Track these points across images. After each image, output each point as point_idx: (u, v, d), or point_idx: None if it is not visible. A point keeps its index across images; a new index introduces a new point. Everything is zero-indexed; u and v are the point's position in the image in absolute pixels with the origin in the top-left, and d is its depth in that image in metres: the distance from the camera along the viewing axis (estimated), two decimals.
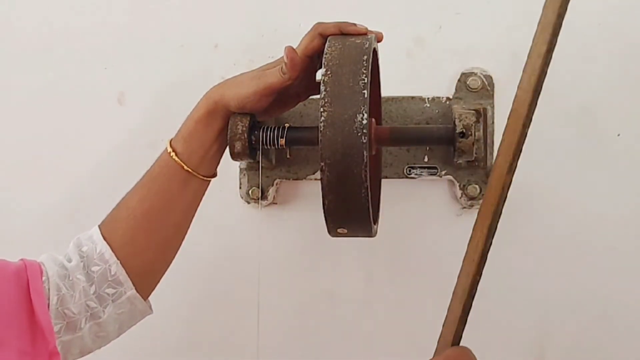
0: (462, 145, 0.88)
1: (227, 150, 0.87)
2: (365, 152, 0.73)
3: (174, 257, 0.90)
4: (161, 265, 0.89)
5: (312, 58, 0.84)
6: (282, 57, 0.83)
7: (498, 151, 0.73)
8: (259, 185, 1.03)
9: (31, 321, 0.78)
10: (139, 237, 0.85)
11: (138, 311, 0.87)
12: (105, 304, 0.84)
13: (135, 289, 0.86)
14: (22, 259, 0.83)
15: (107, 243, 0.85)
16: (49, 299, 0.81)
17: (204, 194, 0.89)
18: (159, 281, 0.90)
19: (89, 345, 0.85)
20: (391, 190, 1.00)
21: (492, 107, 1.00)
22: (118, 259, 0.84)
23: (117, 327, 0.87)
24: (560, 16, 0.63)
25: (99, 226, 0.87)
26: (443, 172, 1.02)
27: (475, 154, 0.91)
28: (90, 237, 0.86)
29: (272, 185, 1.04)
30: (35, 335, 0.77)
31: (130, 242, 0.85)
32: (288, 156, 0.99)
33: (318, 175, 1.02)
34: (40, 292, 0.80)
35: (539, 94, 0.66)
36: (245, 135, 0.85)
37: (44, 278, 0.81)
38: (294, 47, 0.83)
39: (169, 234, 0.88)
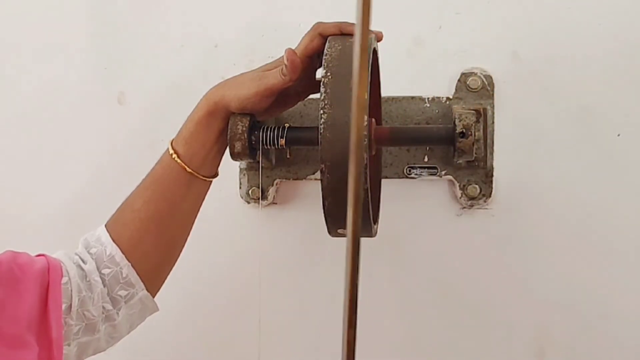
0: (462, 145, 0.88)
1: (227, 150, 0.87)
2: (365, 155, 0.73)
3: (179, 255, 0.91)
4: (168, 264, 0.90)
5: (312, 58, 0.84)
6: (282, 57, 0.83)
7: None
8: (259, 185, 1.03)
9: (41, 330, 0.78)
10: (147, 239, 0.86)
11: (148, 310, 0.89)
12: (118, 306, 0.85)
13: (146, 288, 0.86)
14: (43, 255, 0.83)
15: (117, 245, 0.85)
16: (71, 300, 0.81)
17: (206, 193, 0.90)
18: (165, 279, 0.91)
19: (102, 345, 0.86)
20: (391, 190, 1.00)
21: (492, 107, 1.00)
22: (129, 261, 0.85)
23: (129, 327, 0.88)
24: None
25: (106, 227, 0.87)
26: (443, 172, 1.02)
27: (475, 154, 0.91)
28: (99, 239, 0.86)
29: (272, 185, 1.04)
30: (42, 346, 0.77)
31: (139, 245, 0.86)
32: (288, 156, 0.99)
33: (318, 175, 1.02)
34: (58, 301, 0.80)
35: None
36: (245, 135, 0.85)
37: (65, 279, 0.81)
38: (294, 47, 0.83)
39: (175, 234, 0.89)
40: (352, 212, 0.43)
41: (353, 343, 0.49)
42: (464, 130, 0.88)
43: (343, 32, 0.82)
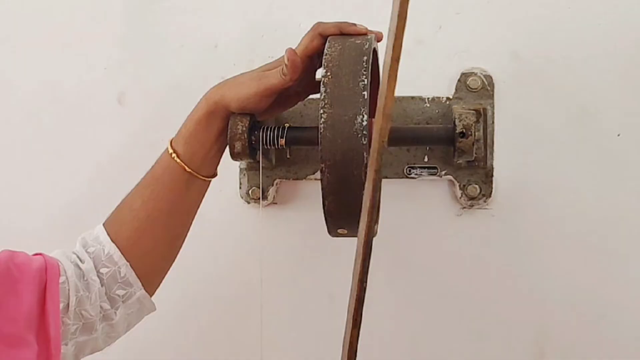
0: (462, 145, 0.88)
1: (227, 150, 0.87)
2: (365, 154, 0.73)
3: (177, 254, 0.91)
4: (166, 263, 0.90)
5: (312, 58, 0.84)
6: (282, 57, 0.83)
7: None
8: (259, 185, 1.02)
9: (40, 329, 0.78)
10: (145, 238, 0.86)
11: (146, 309, 0.88)
12: (116, 305, 0.85)
13: (144, 288, 0.86)
14: (41, 254, 0.83)
15: (115, 244, 0.85)
16: (68, 300, 0.81)
17: (205, 193, 0.89)
18: (163, 279, 0.91)
19: (100, 345, 0.86)
20: (391, 190, 1.00)
21: (492, 107, 1.00)
22: (127, 260, 0.85)
23: (126, 326, 0.88)
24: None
25: (104, 226, 0.87)
26: (443, 172, 1.02)
27: (475, 154, 0.91)
28: (97, 238, 0.86)
29: (272, 185, 1.04)
30: (40, 345, 0.77)
31: (137, 244, 0.85)
32: (288, 156, 1.00)
33: (318, 175, 1.02)
34: (56, 301, 0.80)
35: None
36: (245, 135, 0.85)
37: (62, 279, 0.81)
38: (294, 47, 0.83)
39: (173, 233, 0.89)
40: (366, 217, 0.43)
41: (355, 343, 0.48)
42: (464, 130, 0.88)
43: (343, 32, 0.82)
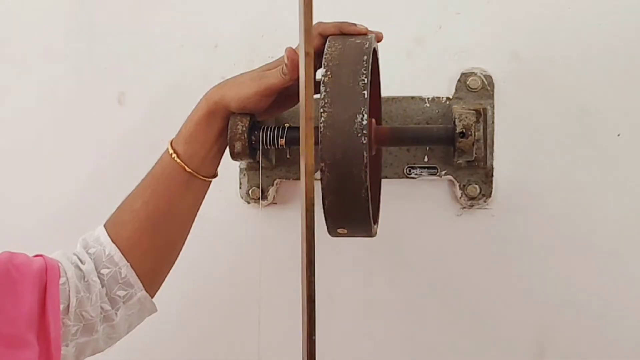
0: (462, 145, 0.88)
1: (227, 150, 0.87)
2: (365, 153, 0.73)
3: (178, 255, 0.91)
4: (167, 264, 0.90)
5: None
6: (282, 57, 0.83)
7: None
8: (259, 185, 1.03)
9: (40, 330, 0.78)
10: (145, 239, 0.86)
11: (146, 310, 0.88)
12: (117, 306, 0.85)
13: (144, 289, 0.86)
14: (41, 255, 0.83)
15: (116, 245, 0.85)
16: (69, 301, 0.81)
17: (205, 193, 0.89)
18: (164, 280, 0.91)
19: (101, 346, 0.86)
20: (391, 190, 1.00)
21: (492, 107, 1.00)
22: (128, 261, 0.85)
23: (127, 327, 0.88)
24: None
25: (104, 227, 0.87)
26: (443, 172, 1.02)
27: (475, 154, 0.91)
28: (97, 239, 0.86)
29: (272, 185, 1.04)
30: (41, 346, 0.77)
31: (137, 244, 0.85)
32: (288, 156, 1.00)
33: (318, 175, 1.02)
34: (56, 302, 0.80)
35: None
36: (245, 135, 0.85)
37: (62, 280, 0.81)
38: (294, 47, 0.83)
39: (174, 234, 0.88)
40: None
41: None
42: (464, 130, 0.88)
43: (343, 32, 0.82)
